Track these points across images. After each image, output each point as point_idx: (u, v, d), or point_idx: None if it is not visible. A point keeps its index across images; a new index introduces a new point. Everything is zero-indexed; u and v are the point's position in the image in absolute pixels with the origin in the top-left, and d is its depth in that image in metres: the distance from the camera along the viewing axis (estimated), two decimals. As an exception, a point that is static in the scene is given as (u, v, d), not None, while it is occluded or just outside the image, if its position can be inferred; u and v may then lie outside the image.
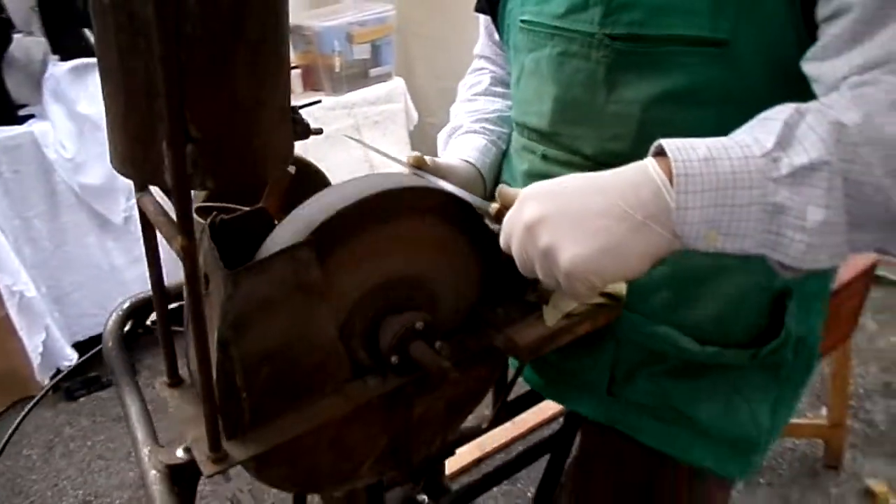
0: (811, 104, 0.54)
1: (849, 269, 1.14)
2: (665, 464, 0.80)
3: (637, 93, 0.70)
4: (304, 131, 0.52)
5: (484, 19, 0.94)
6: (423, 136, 3.00)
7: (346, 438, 0.63)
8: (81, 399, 2.28)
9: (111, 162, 0.46)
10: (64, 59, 2.03)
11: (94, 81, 2.02)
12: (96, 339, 2.40)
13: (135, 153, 0.43)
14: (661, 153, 0.54)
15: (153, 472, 0.60)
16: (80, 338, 2.31)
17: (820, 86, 0.60)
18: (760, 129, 0.54)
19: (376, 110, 2.83)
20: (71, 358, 2.22)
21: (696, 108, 0.68)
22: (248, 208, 0.58)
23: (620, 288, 0.69)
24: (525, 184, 0.80)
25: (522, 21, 0.79)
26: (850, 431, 1.99)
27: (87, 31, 2.03)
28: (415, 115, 2.94)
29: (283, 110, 0.47)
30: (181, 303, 0.71)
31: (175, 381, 0.63)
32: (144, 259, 1.91)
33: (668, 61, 0.67)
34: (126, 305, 0.79)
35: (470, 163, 0.83)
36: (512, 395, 0.91)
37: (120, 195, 2.17)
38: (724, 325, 0.76)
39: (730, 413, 0.77)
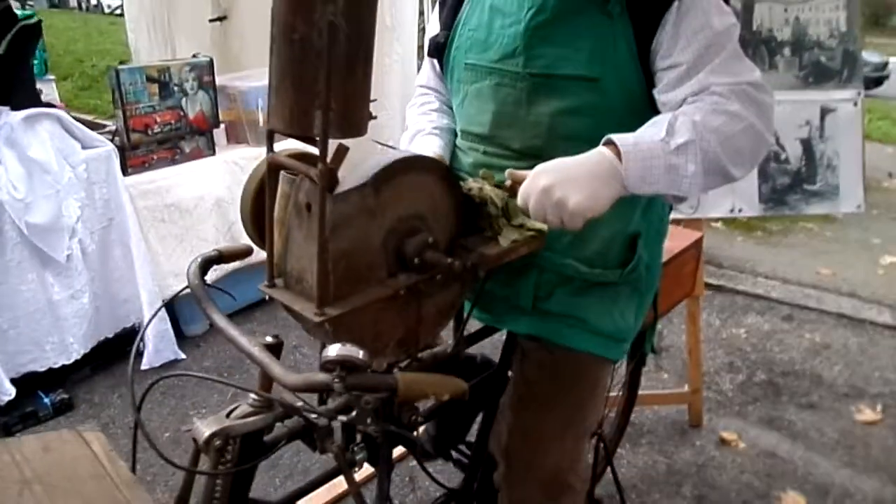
0: (679, 111, 0.99)
1: (683, 241, 1.63)
2: (572, 354, 1.19)
3: (546, 108, 1.12)
4: (370, 116, 0.87)
5: (431, 62, 1.34)
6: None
7: (380, 323, 0.96)
8: (18, 434, 2.32)
9: (275, 125, 0.78)
10: (15, 109, 2.20)
11: (45, 129, 2.24)
12: (30, 375, 2.45)
13: (299, 118, 0.76)
14: (606, 143, 0.96)
15: (256, 348, 0.89)
16: (14, 374, 2.36)
17: (666, 107, 1.04)
18: (658, 126, 0.97)
19: (295, 160, 3.14)
20: (10, 393, 2.29)
21: (581, 118, 1.10)
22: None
23: (543, 226, 1.08)
24: (473, 172, 1.19)
25: (467, 63, 1.20)
26: (706, 400, 2.49)
27: (39, 87, 2.22)
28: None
29: (367, 100, 0.83)
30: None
31: (271, 284, 0.93)
32: (81, 296, 2.08)
33: (564, 89, 1.10)
34: (200, 259, 1.06)
35: (440, 155, 1.21)
36: (468, 332, 1.27)
37: (64, 234, 2.32)
38: (604, 256, 1.18)
39: (609, 317, 1.19)
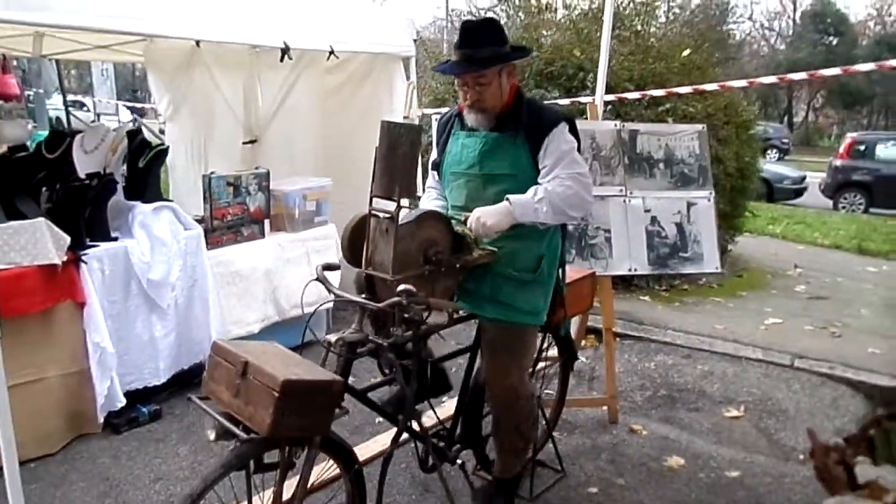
0: (541, 186, 2.15)
1: (581, 273, 2.71)
2: (515, 324, 2.24)
3: (492, 191, 2.24)
4: (416, 191, 1.94)
5: (432, 173, 2.46)
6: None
7: (416, 288, 1.99)
8: (125, 433, 3.17)
9: (377, 192, 1.85)
10: (146, 202, 3.26)
11: (164, 216, 3.28)
12: (131, 393, 3.34)
13: (388, 189, 1.83)
14: (506, 198, 2.10)
15: (361, 298, 1.92)
16: (123, 390, 3.24)
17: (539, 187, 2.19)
18: (530, 191, 2.13)
19: (319, 243, 4.21)
20: (122, 401, 3.16)
21: (508, 194, 2.22)
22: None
23: (494, 249, 2.16)
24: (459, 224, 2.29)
25: (451, 171, 2.33)
26: (623, 407, 3.47)
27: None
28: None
29: (416, 182, 1.91)
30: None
31: (367, 267, 1.96)
32: (171, 335, 3.03)
33: (500, 181, 2.24)
34: (320, 266, 2.09)
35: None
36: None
37: (168, 288, 3.31)
38: (524, 266, 2.26)
39: (529, 301, 2.25)
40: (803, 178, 13.29)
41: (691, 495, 2.76)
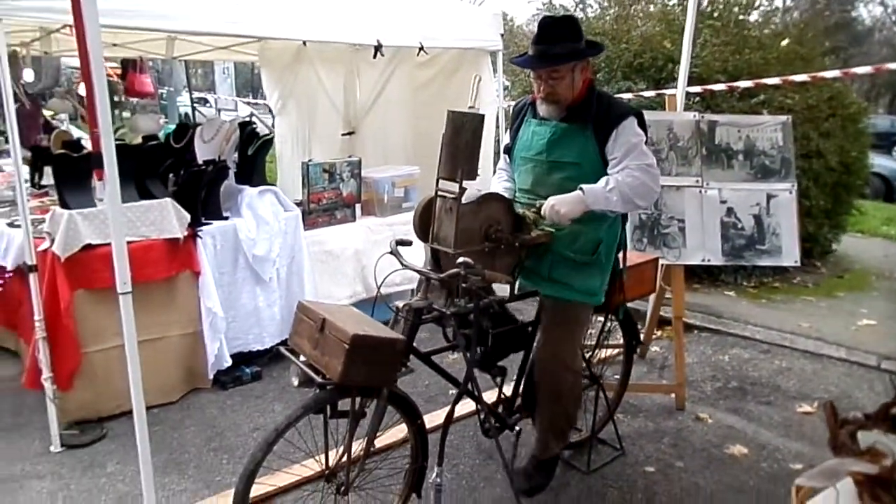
0: (611, 176, 2.31)
1: (643, 257, 2.81)
2: (570, 302, 2.41)
3: (557, 177, 2.41)
4: (476, 172, 2.15)
5: (504, 156, 2.66)
6: (433, 247, 4.67)
7: (477, 263, 2.21)
8: (230, 389, 3.60)
9: (442, 174, 2.08)
10: (252, 186, 3.67)
11: (268, 198, 3.67)
12: (236, 355, 3.80)
13: (452, 172, 2.05)
14: (579, 187, 2.27)
15: (427, 269, 2.16)
16: (230, 352, 3.68)
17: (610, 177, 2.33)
18: (601, 181, 2.29)
19: (405, 227, 4.47)
20: (229, 361, 3.59)
21: (572, 181, 2.38)
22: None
23: (551, 230, 2.33)
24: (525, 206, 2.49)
25: (521, 156, 2.51)
26: (691, 396, 3.51)
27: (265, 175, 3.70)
28: (429, 232, 4.63)
29: (477, 165, 2.12)
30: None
31: (432, 242, 2.20)
32: (274, 306, 3.46)
33: (565, 168, 2.40)
34: (394, 241, 2.35)
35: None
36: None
37: (270, 263, 3.71)
38: (584, 249, 2.41)
39: (585, 282, 2.40)
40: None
41: (749, 482, 2.80)
